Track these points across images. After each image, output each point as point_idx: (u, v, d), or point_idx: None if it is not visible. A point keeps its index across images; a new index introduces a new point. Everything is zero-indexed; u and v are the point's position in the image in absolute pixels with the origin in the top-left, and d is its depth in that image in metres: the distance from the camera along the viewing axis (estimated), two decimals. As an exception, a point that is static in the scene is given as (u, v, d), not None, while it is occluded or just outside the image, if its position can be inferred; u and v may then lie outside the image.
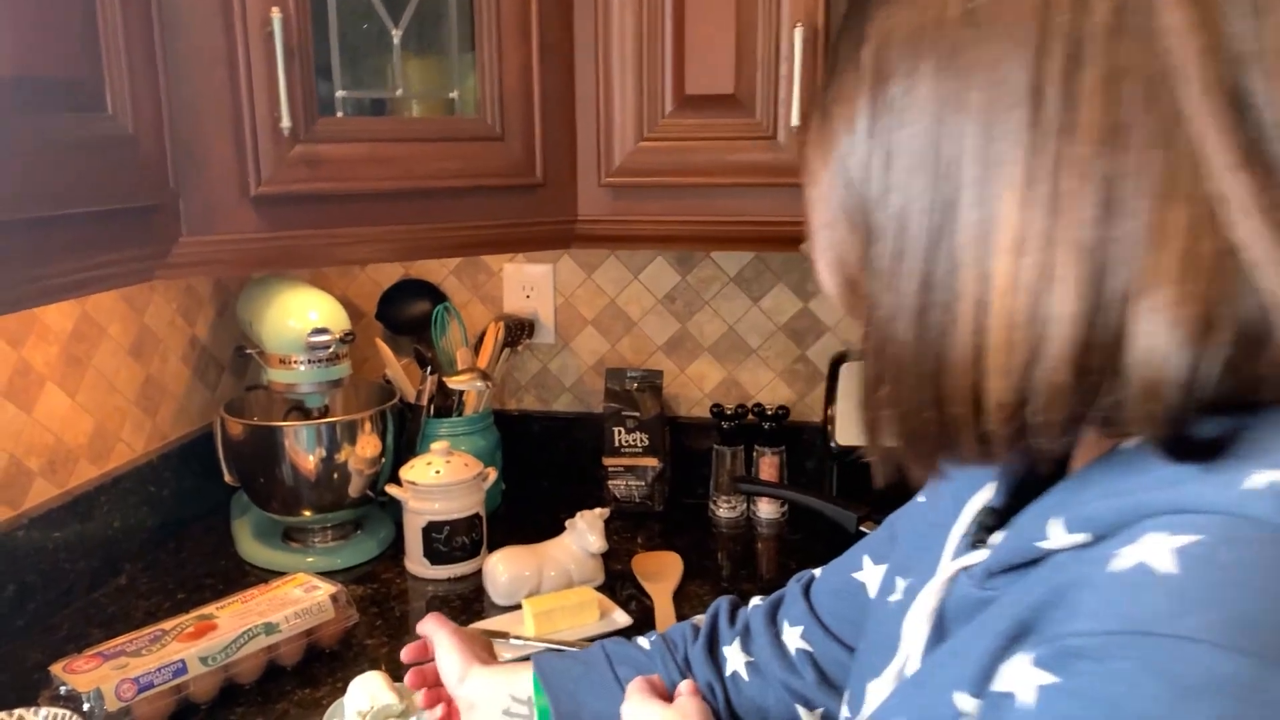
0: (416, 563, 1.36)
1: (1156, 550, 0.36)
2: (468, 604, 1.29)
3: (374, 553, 1.42)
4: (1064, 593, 0.39)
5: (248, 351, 1.45)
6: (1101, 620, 0.36)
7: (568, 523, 1.31)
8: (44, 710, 0.93)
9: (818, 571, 0.84)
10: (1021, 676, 0.38)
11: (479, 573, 1.35)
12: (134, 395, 1.41)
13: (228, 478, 1.43)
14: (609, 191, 1.24)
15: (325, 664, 1.13)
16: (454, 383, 1.46)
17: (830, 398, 1.51)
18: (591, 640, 1.16)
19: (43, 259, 0.84)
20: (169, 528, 1.46)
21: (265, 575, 1.36)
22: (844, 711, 0.63)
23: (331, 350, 1.34)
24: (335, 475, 1.37)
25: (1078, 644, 0.36)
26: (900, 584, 0.62)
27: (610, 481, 1.56)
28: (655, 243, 1.36)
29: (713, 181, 1.21)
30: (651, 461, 1.55)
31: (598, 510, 1.32)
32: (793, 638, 0.80)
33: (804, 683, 0.78)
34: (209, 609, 1.11)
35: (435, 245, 1.20)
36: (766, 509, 1.54)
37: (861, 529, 1.24)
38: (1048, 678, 0.36)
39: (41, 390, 1.24)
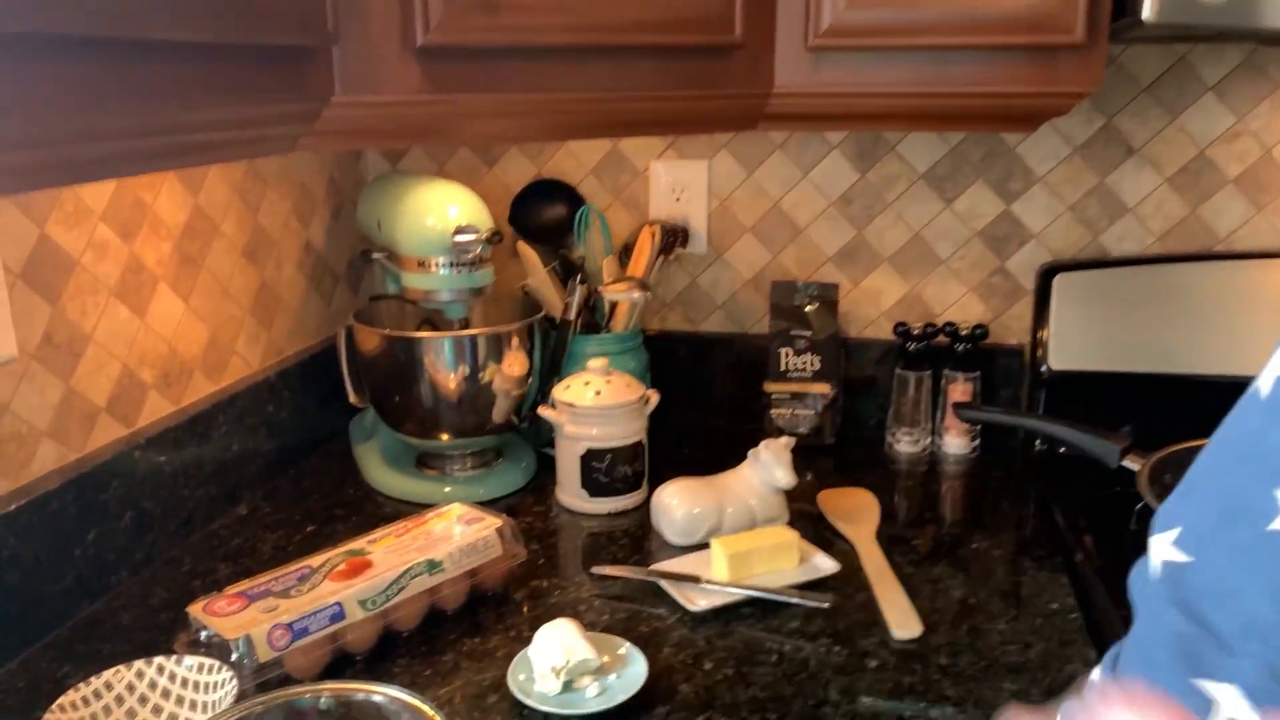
0: (572, 495, 1.19)
1: None
2: (636, 542, 1.12)
3: (519, 483, 1.26)
4: None
5: (375, 256, 1.27)
6: None
7: (750, 453, 1.13)
8: (189, 660, 0.78)
9: None
10: None
11: (643, 508, 1.18)
12: (248, 303, 1.25)
13: (353, 398, 1.27)
14: (813, 58, 1.03)
15: (491, 609, 0.97)
16: (610, 292, 1.27)
17: (1041, 315, 1.30)
18: (795, 588, 0.99)
19: (187, 103, 0.67)
20: (288, 453, 1.31)
21: (399, 506, 1.20)
22: None
23: (477, 252, 1.16)
24: (478, 396, 1.20)
25: None
26: None
27: (773, 410, 1.37)
28: (861, 122, 1.15)
29: (947, 42, 0.99)
30: (823, 388, 1.35)
31: (783, 440, 1.13)
32: None
33: None
34: (359, 543, 0.95)
35: (614, 119, 1.00)
36: (956, 443, 1.34)
37: (1124, 463, 1.04)
38: None
39: (154, 292, 1.08)
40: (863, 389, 1.42)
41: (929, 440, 1.36)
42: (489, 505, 1.12)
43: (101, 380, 1.01)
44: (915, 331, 1.33)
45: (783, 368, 1.37)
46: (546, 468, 1.28)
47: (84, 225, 0.98)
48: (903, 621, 0.93)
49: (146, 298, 1.07)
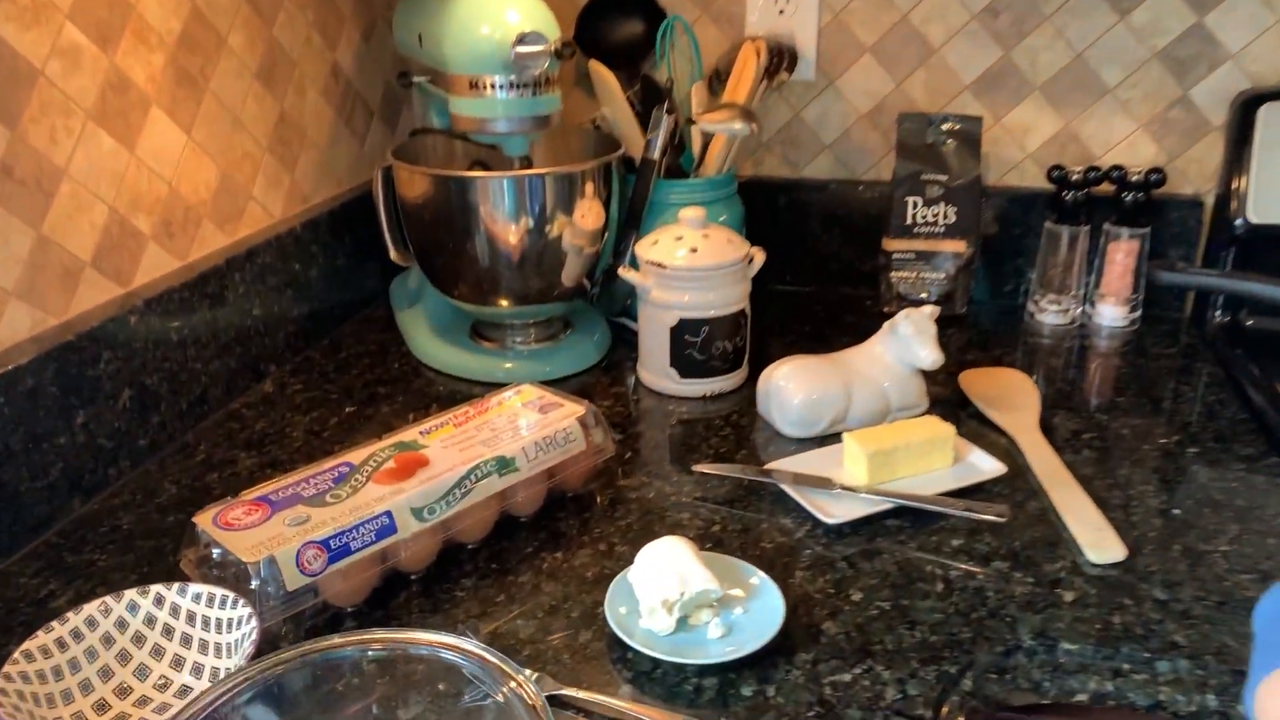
0: (658, 374, 0.98)
1: None
2: (740, 434, 0.92)
3: (591, 359, 1.06)
4: None
5: (415, 79, 1.04)
6: None
7: (885, 325, 0.92)
8: (194, 589, 0.60)
9: None
10: None
11: (743, 390, 0.98)
12: (266, 137, 1.03)
13: (394, 254, 1.06)
14: None
15: (573, 516, 0.79)
16: (708, 122, 1.03)
17: (1237, 157, 1.05)
18: (951, 495, 0.79)
19: None
20: (319, 320, 1.11)
21: (452, 383, 1.01)
22: None
23: (543, 68, 0.92)
24: (544, 253, 0.99)
25: None
26: None
27: (893, 274, 1.15)
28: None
29: None
30: (957, 245, 1.12)
31: (927, 309, 0.91)
32: None
33: None
34: (409, 434, 0.75)
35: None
36: (1112, 313, 1.12)
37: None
38: None
39: (146, 117, 0.86)
40: (1000, 248, 1.18)
41: (1079, 310, 1.13)
42: (555, 385, 0.92)
43: (83, 227, 0.81)
44: (1074, 177, 1.09)
45: (908, 221, 1.13)
46: (623, 341, 1.08)
47: (46, 25, 0.75)
48: (1097, 541, 0.73)
49: (136, 125, 0.85)
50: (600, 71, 1.08)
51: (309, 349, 1.09)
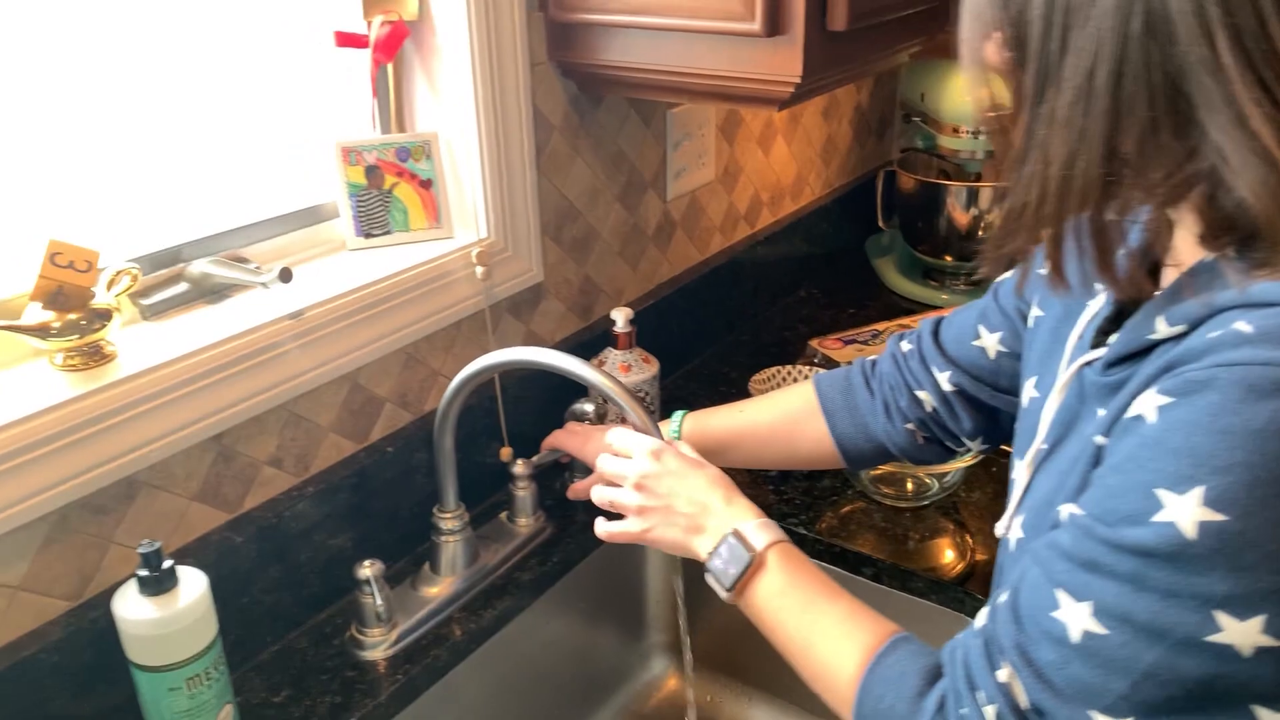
0: (1043, 312, 1.62)
1: (1240, 325, 0.49)
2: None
3: (999, 299, 1.71)
4: (1176, 359, 0.52)
5: (914, 119, 1.73)
6: (1204, 362, 0.49)
7: None
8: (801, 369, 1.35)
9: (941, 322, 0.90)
10: (1149, 402, 0.51)
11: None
12: (819, 149, 1.77)
13: (881, 222, 1.77)
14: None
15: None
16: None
17: None
18: None
19: (880, 48, 1.16)
20: (825, 258, 1.85)
21: (907, 303, 1.71)
22: (1013, 485, 0.72)
23: (1000, 124, 1.57)
24: (980, 230, 1.65)
25: (1189, 376, 0.50)
26: (1030, 384, 0.73)
27: None
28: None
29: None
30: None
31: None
32: (943, 380, 0.87)
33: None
34: (905, 320, 1.46)
35: None
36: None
37: None
38: (1168, 399, 0.50)
39: (774, 140, 1.63)
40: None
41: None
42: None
43: (744, 198, 1.60)
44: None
45: None
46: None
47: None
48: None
49: (770, 144, 1.63)
50: (1032, 122, 1.71)
51: (818, 275, 1.83)
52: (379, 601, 0.92)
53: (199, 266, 0.94)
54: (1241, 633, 0.47)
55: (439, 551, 1.03)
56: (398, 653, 0.96)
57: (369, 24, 1.05)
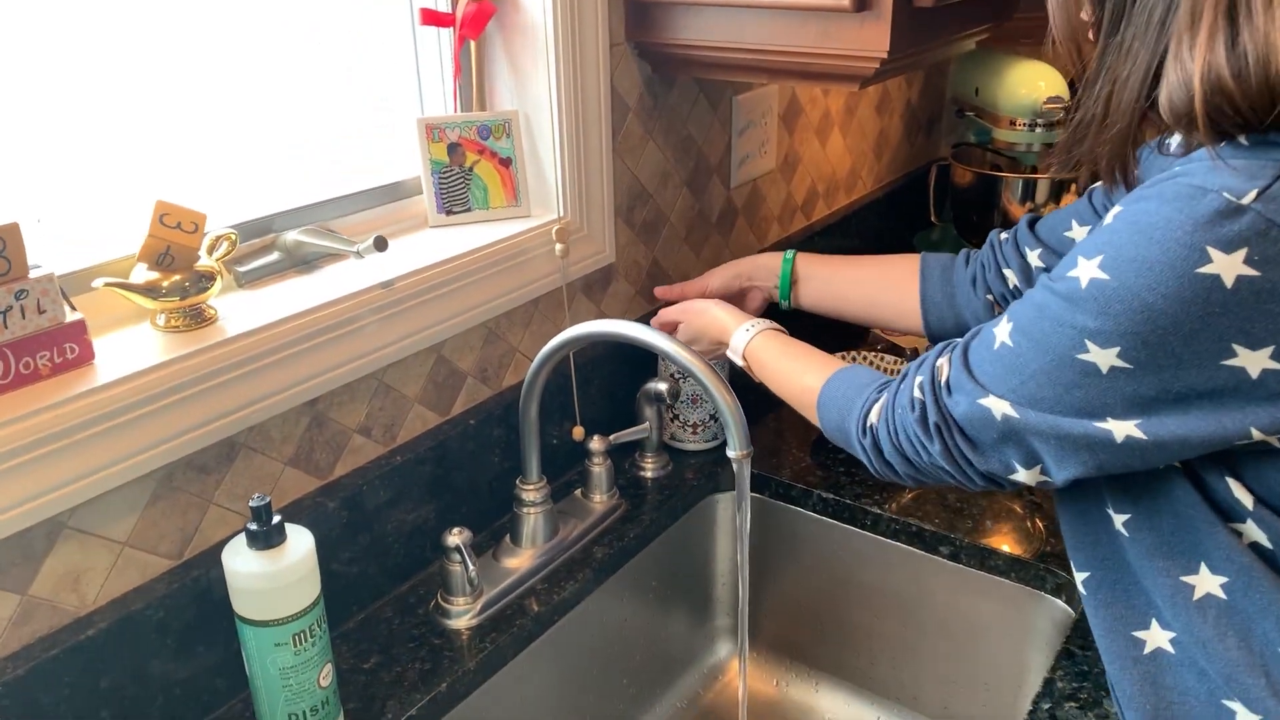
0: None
1: (1194, 167, 0.62)
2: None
3: (1054, 292, 1.70)
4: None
5: (967, 113, 1.73)
6: (1156, 181, 0.63)
7: None
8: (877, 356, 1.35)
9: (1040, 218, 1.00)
10: (1114, 211, 0.65)
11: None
12: (873, 142, 1.78)
13: (934, 216, 1.77)
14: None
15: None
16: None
17: None
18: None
19: (955, 29, 1.16)
20: (877, 252, 1.85)
21: (964, 297, 1.71)
22: None
23: (1060, 117, 1.57)
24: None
25: (1144, 192, 0.63)
26: None
27: None
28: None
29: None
30: None
31: None
32: (1033, 259, 0.98)
33: None
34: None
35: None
36: None
37: None
38: (1124, 207, 0.64)
39: (831, 132, 1.64)
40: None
41: None
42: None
43: (801, 189, 1.60)
44: None
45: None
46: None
47: (816, 104, 1.54)
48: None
49: (827, 136, 1.63)
50: (1088, 115, 1.71)
51: (872, 268, 1.83)
52: (470, 568, 0.93)
53: (292, 236, 0.95)
54: (1102, 356, 0.64)
55: (521, 523, 1.03)
56: (483, 621, 0.96)
57: (454, 2, 1.06)
